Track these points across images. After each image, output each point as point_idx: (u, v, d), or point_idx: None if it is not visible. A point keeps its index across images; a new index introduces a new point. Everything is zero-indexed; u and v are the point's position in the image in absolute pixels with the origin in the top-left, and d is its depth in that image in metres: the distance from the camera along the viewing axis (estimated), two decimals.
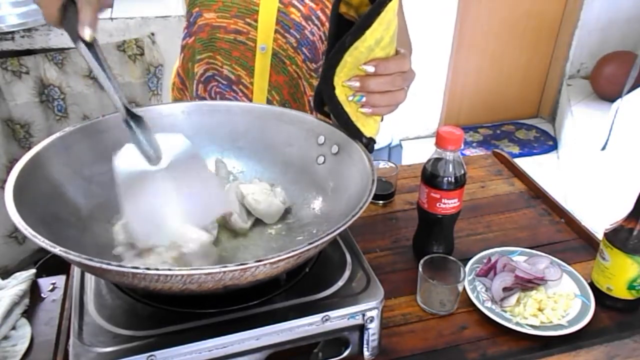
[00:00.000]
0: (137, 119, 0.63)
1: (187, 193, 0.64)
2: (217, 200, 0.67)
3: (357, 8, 0.71)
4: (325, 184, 0.75)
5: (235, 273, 0.51)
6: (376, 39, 0.64)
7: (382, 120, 0.75)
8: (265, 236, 0.73)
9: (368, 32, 0.64)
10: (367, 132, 0.71)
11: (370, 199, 0.60)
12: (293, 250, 0.52)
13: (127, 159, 0.63)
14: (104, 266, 0.49)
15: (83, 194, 0.69)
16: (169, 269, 0.50)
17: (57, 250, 0.51)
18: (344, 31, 0.66)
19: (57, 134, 0.69)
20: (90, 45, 0.60)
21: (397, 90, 0.68)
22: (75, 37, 0.60)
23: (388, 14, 0.64)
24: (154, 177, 0.62)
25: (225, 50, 0.97)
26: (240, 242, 0.71)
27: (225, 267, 0.50)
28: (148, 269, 0.49)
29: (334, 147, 0.74)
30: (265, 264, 0.51)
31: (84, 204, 0.69)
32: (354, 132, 0.71)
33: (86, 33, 0.59)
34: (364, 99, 0.68)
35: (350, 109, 0.69)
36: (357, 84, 0.67)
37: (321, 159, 0.76)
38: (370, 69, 0.66)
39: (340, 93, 0.68)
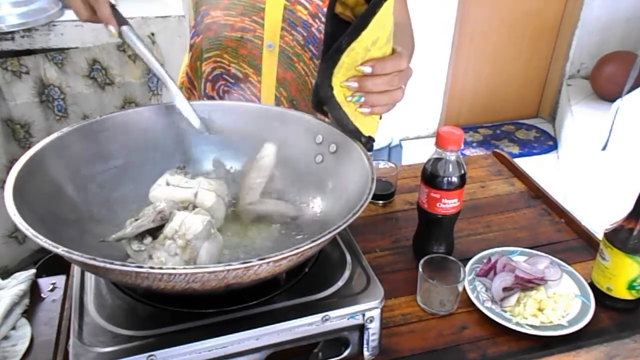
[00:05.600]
0: None
1: None
2: None
3: (353, 8, 0.71)
4: (324, 183, 0.75)
5: (238, 271, 0.51)
6: (372, 39, 0.64)
7: (380, 118, 0.75)
8: (265, 236, 0.73)
9: (364, 33, 0.63)
10: (366, 131, 0.71)
11: (370, 197, 0.60)
12: (296, 248, 0.52)
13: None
14: (108, 265, 0.49)
15: (82, 193, 0.69)
16: (173, 268, 0.50)
17: (60, 250, 0.51)
18: (340, 31, 0.66)
19: (56, 134, 0.69)
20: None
21: (394, 89, 0.68)
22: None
23: (384, 14, 0.63)
24: None
25: (232, 49, 0.97)
26: (241, 242, 0.71)
27: (229, 265, 0.50)
28: (152, 267, 0.50)
29: (332, 146, 0.74)
30: (268, 262, 0.51)
31: (83, 203, 0.69)
32: (353, 132, 0.71)
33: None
34: (362, 99, 0.68)
35: (348, 109, 0.69)
36: (355, 84, 0.67)
37: (319, 158, 0.76)
38: (368, 69, 0.66)
39: (339, 93, 0.68)
